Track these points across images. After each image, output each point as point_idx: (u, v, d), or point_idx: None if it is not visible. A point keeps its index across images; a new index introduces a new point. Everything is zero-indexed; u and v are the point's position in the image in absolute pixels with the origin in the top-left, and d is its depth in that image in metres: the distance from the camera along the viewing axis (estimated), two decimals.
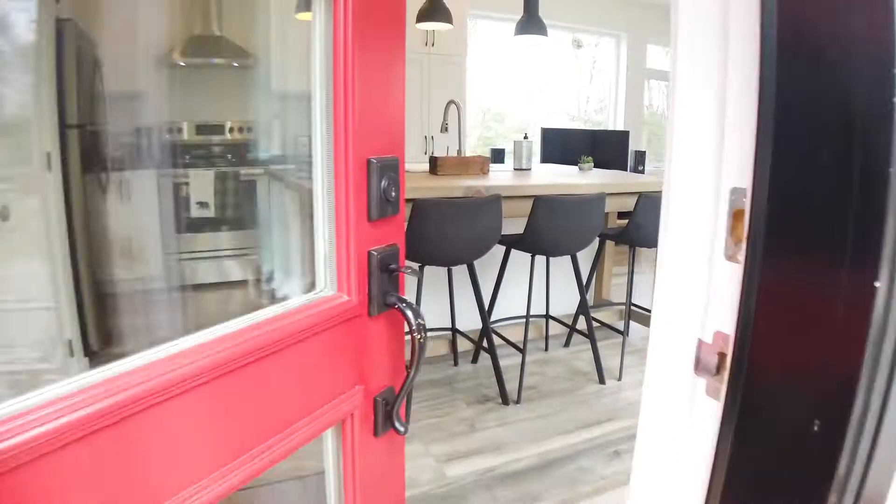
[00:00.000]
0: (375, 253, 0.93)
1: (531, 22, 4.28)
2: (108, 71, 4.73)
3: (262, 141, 5.60)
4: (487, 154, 6.60)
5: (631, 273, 3.48)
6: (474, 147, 6.92)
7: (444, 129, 3.92)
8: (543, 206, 2.86)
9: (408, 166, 4.07)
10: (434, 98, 5.57)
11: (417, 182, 3.02)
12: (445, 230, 2.58)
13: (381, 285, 0.95)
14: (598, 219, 3.08)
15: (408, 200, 2.74)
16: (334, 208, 0.90)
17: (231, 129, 5.44)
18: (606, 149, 7.33)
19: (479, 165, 3.53)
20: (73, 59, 3.07)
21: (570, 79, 7.52)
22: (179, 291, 4.72)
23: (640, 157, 7.48)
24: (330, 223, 0.90)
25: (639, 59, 7.84)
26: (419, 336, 0.93)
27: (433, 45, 5.49)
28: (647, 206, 3.21)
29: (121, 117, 5.21)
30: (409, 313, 0.94)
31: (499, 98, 7.16)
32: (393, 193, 0.95)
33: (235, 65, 5.14)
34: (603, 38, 7.65)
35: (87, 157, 3.48)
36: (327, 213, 0.91)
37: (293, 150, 5.73)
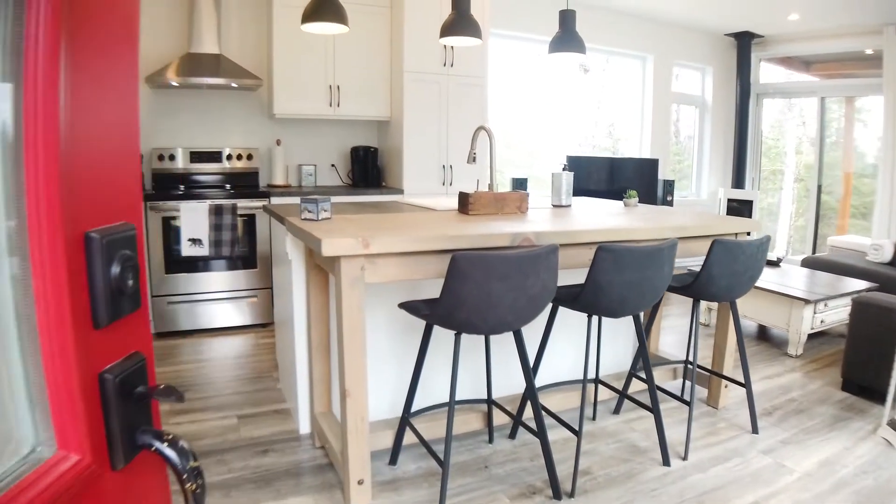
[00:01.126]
0: (111, 376, 0.64)
1: (568, 38, 3.79)
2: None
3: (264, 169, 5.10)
4: (507, 185, 6.09)
5: (696, 329, 2.94)
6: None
7: (472, 159, 3.40)
8: (609, 258, 2.32)
9: (427, 202, 3.57)
10: (453, 123, 5.07)
11: (447, 226, 2.49)
12: (490, 291, 2.04)
13: (126, 420, 0.66)
14: (670, 271, 2.55)
15: (442, 252, 2.21)
16: (34, 317, 0.58)
17: (230, 156, 4.93)
18: (629, 177, 6.83)
19: (517, 202, 3.00)
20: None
21: (579, 103, 7.01)
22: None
23: (669, 186, 6.97)
24: (32, 340, 0.58)
25: (664, 81, 7.36)
26: (192, 485, 0.66)
27: (452, 65, 5.00)
28: (723, 254, 2.67)
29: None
30: (173, 455, 0.67)
31: (512, 122, 6.65)
32: (130, 282, 0.67)
33: (234, 86, 4.64)
34: (627, 59, 7.18)
35: None
36: (28, 325, 0.58)
37: (297, 180, 5.24)
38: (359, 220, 2.52)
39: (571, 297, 2.45)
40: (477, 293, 2.04)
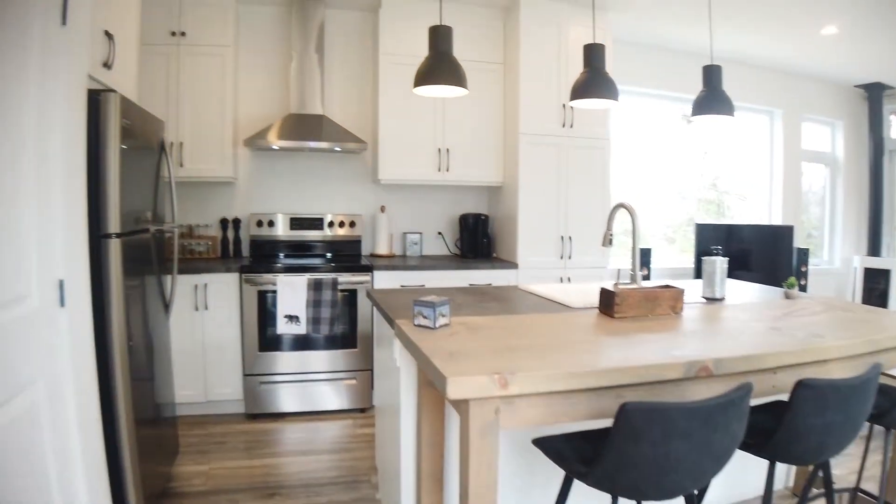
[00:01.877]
0: None
1: (714, 98, 3.25)
2: (184, 155, 4.05)
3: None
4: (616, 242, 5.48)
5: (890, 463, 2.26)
6: None
7: (609, 241, 2.89)
8: (810, 396, 1.74)
9: (555, 292, 2.87)
10: (573, 190, 4.58)
11: (598, 343, 1.98)
12: (669, 452, 1.51)
13: None
14: (872, 402, 1.92)
15: (600, 389, 1.69)
16: None
17: (331, 224, 4.63)
18: (753, 243, 6.10)
19: (670, 302, 2.45)
20: (113, 144, 2.28)
21: (682, 154, 6.30)
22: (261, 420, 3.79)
23: (803, 256, 6.14)
24: None
25: (794, 137, 6.59)
26: None
27: (572, 125, 4.53)
28: None
29: (197, 210, 4.55)
30: None
31: (615, 177, 6.06)
32: None
33: (338, 149, 4.35)
34: (752, 114, 6.48)
35: (138, 262, 2.67)
36: None
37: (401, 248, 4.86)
38: (485, 331, 2.05)
39: (760, 444, 1.87)
40: (652, 455, 1.50)
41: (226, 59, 4.16)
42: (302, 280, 3.87)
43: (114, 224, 2.28)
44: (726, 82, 3.38)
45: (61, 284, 1.89)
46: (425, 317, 2.01)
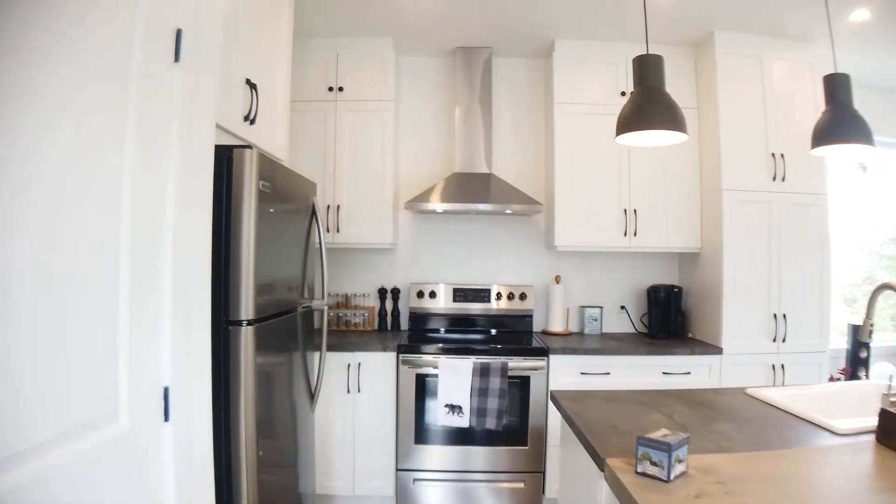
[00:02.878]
0: None
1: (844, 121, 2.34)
2: (340, 219, 3.72)
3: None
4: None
5: None
6: None
7: (868, 334, 2.06)
8: None
9: (782, 399, 1.97)
10: (786, 259, 3.68)
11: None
12: None
13: None
14: None
15: None
16: None
17: (499, 295, 4.08)
18: None
19: None
20: (248, 210, 1.86)
21: (857, 207, 5.00)
22: None
23: None
24: None
25: None
26: None
27: (784, 178, 3.68)
28: None
29: (354, 278, 4.21)
30: None
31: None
32: None
33: (509, 212, 3.82)
34: None
35: (278, 346, 2.25)
36: None
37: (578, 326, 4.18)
38: (741, 488, 1.33)
39: None
40: None
41: (385, 114, 3.81)
42: (466, 364, 3.31)
43: (246, 307, 1.85)
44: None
45: (166, 393, 1.44)
46: (655, 463, 1.34)
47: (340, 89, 3.79)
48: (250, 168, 1.86)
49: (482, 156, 3.91)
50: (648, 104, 2.07)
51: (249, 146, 1.91)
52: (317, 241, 2.70)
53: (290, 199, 2.34)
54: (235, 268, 1.84)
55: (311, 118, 3.77)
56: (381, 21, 3.65)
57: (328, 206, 3.75)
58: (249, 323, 1.86)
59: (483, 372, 3.29)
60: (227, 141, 1.98)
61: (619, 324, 4.24)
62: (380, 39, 3.86)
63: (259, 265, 1.92)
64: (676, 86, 3.87)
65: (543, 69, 4.21)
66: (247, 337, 1.86)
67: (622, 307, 4.24)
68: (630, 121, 2.08)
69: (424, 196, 3.69)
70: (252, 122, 2.22)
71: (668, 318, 4.00)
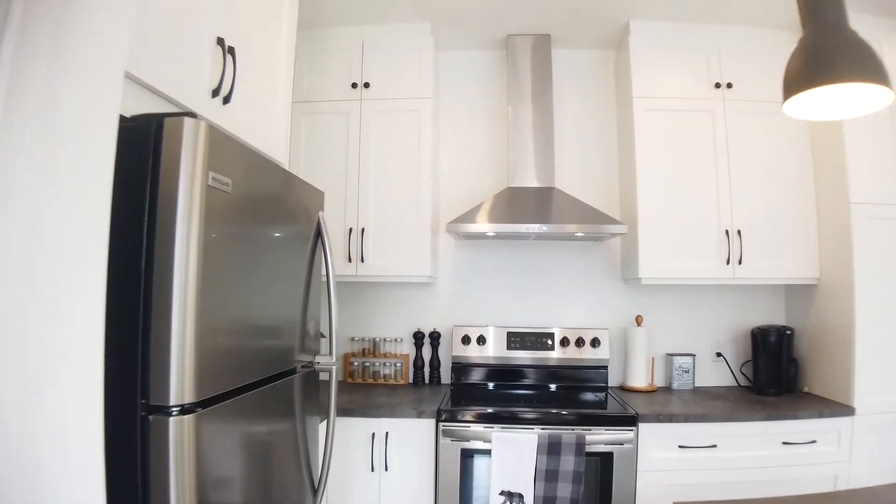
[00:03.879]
0: None
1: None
2: (366, 246, 2.95)
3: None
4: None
5: None
6: None
7: None
8: None
9: None
10: None
11: None
12: None
13: None
14: None
15: None
16: None
17: (564, 341, 3.25)
18: None
19: None
20: (186, 218, 1.11)
21: None
22: None
23: None
24: None
25: None
26: None
27: None
28: None
29: (384, 318, 3.43)
30: None
31: None
32: None
33: (580, 235, 3.02)
34: None
35: (257, 424, 1.45)
36: None
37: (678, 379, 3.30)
38: None
39: None
40: None
41: (422, 115, 3.06)
42: (529, 438, 2.48)
43: (180, 383, 1.09)
44: None
45: None
46: None
47: (366, 85, 3.06)
48: (193, 148, 1.11)
49: (542, 166, 3.13)
50: (834, 47, 1.26)
51: (193, 114, 1.16)
52: (324, 272, 1.93)
53: (277, 208, 1.58)
54: (160, 316, 1.07)
55: (329, 121, 3.06)
56: (415, 3, 2.94)
57: (350, 229, 3.00)
58: (186, 410, 1.09)
59: (552, 448, 2.45)
60: (160, 108, 1.24)
61: (714, 375, 3.35)
62: (414, 25, 3.13)
63: (208, 309, 1.15)
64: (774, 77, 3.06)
65: (614, 61, 3.43)
66: (181, 432, 1.08)
67: (718, 354, 3.36)
68: (806, 75, 1.27)
69: (470, 216, 2.91)
70: (226, 99, 1.49)
71: (780, 367, 3.11)
